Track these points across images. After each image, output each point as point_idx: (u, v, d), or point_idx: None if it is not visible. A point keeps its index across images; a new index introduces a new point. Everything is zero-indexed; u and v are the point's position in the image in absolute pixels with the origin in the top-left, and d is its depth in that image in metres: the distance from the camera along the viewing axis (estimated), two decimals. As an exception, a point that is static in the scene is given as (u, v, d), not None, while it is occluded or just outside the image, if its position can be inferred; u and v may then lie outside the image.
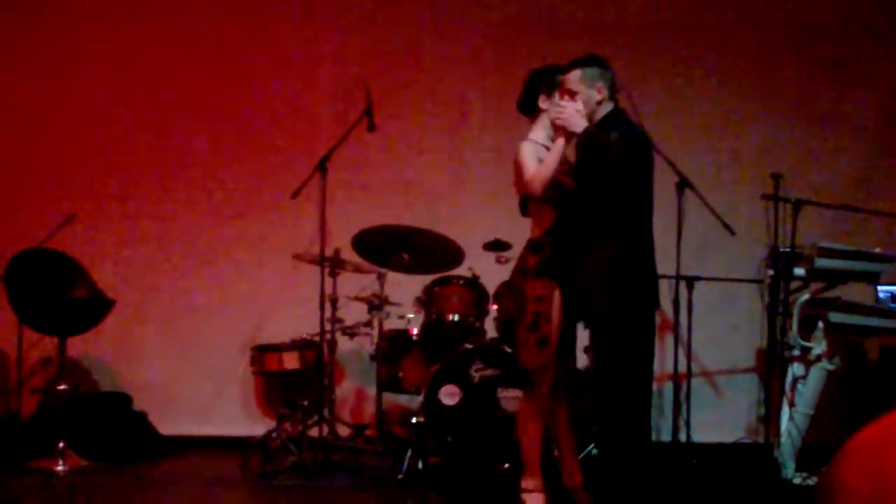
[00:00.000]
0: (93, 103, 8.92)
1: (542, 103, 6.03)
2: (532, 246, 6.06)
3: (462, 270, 7.64)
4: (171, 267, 8.89)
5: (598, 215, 5.62)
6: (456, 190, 8.71)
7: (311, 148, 8.08)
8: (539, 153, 5.90)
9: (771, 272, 7.13)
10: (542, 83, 6.10)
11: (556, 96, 5.89)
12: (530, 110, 6.19)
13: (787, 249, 6.96)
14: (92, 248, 8.66)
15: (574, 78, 5.71)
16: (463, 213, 8.50)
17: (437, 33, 8.87)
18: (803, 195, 7.18)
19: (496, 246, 7.54)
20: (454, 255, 7.57)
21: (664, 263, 7.11)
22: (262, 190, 8.75)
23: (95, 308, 8.01)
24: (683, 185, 7.04)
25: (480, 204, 8.46)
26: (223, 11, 8.96)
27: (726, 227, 7.12)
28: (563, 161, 5.79)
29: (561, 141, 5.73)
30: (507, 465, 6.92)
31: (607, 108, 5.68)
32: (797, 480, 7.00)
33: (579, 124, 5.56)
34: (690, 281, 7.48)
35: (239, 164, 8.86)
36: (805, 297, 7.14)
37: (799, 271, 7.07)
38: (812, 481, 6.93)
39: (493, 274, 7.57)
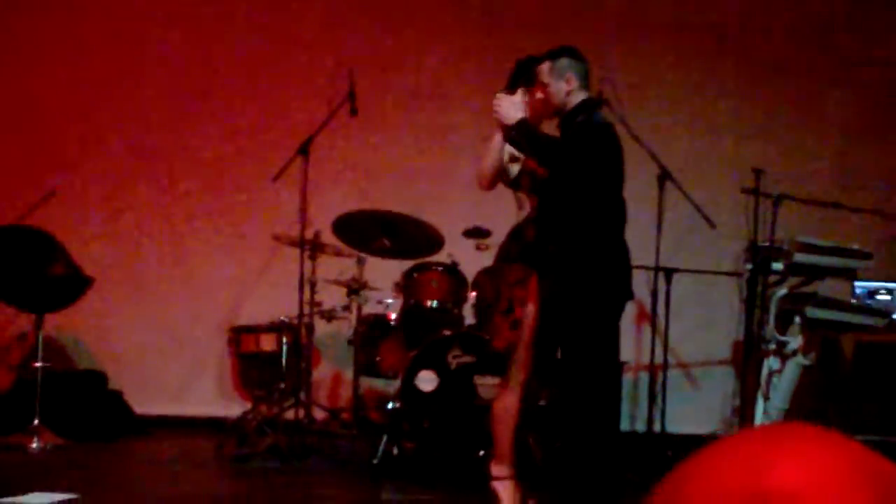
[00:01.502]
0: (74, 82, 8.92)
1: (521, 95, 5.98)
2: (514, 233, 6.06)
3: (442, 257, 7.65)
4: (151, 246, 8.89)
5: (563, 203, 5.59)
6: (437, 176, 8.72)
7: (293, 130, 8.06)
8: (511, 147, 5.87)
9: (749, 266, 7.14)
10: (522, 75, 6.08)
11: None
12: None
13: (766, 244, 6.97)
14: (71, 226, 8.64)
15: (545, 70, 5.67)
16: (444, 199, 8.50)
17: (422, 17, 8.87)
18: (783, 189, 7.20)
19: (476, 233, 7.53)
20: (434, 241, 7.57)
21: (643, 254, 7.14)
22: (244, 171, 8.75)
23: (73, 285, 7.99)
24: (664, 176, 7.06)
25: (461, 191, 8.45)
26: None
27: (706, 219, 7.15)
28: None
29: (498, 135, 5.73)
30: (482, 453, 6.93)
31: (579, 97, 5.60)
32: (770, 474, 7.03)
33: (512, 117, 5.53)
34: (669, 273, 7.51)
35: (221, 145, 8.87)
36: (783, 291, 7.16)
37: (777, 266, 7.08)
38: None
39: (472, 261, 7.58)
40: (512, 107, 5.56)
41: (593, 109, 5.66)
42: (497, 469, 6.06)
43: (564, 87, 5.57)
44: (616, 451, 5.96)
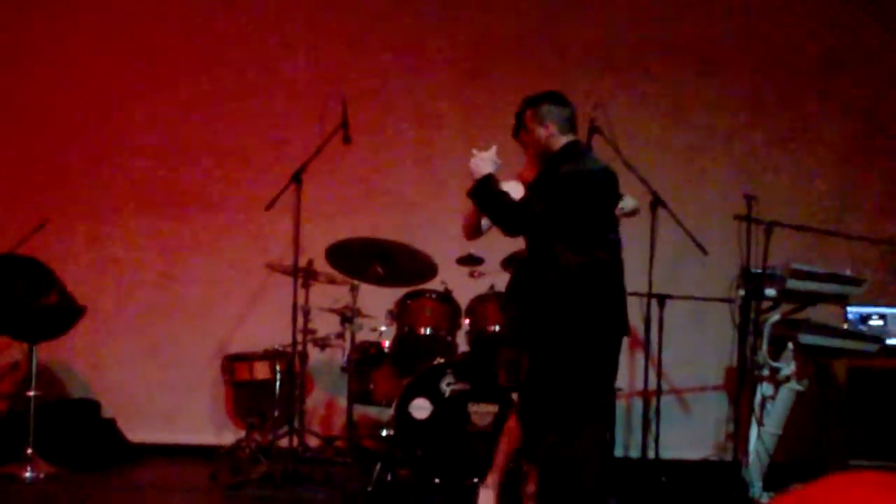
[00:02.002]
0: (64, 109, 8.93)
1: (523, 136, 5.95)
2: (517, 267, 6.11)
3: (435, 284, 7.66)
4: (143, 275, 8.88)
5: (541, 245, 5.59)
6: (430, 203, 8.72)
7: (286, 159, 8.07)
8: (517, 190, 5.88)
9: (742, 292, 7.16)
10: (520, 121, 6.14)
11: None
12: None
13: (759, 270, 6.99)
14: (64, 255, 8.65)
15: (528, 116, 5.74)
16: (437, 226, 8.50)
17: (414, 44, 8.89)
18: (775, 215, 7.23)
19: (469, 260, 7.55)
20: (427, 268, 7.57)
21: (636, 281, 7.16)
22: (237, 200, 8.75)
23: (66, 315, 7.98)
24: (656, 203, 7.08)
25: (455, 218, 8.41)
26: (197, 17, 8.97)
27: (698, 246, 7.17)
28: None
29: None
30: (476, 480, 6.92)
31: (561, 141, 5.64)
32: (764, 500, 7.04)
33: (479, 172, 5.58)
34: (662, 299, 7.52)
35: (213, 173, 8.87)
36: (775, 317, 7.18)
37: (770, 292, 7.11)
38: (779, 501, 6.98)
39: (465, 288, 7.60)
40: (481, 162, 5.61)
41: (580, 153, 5.68)
42: (488, 478, 6.14)
43: (544, 132, 5.64)
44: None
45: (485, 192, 5.58)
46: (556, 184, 5.46)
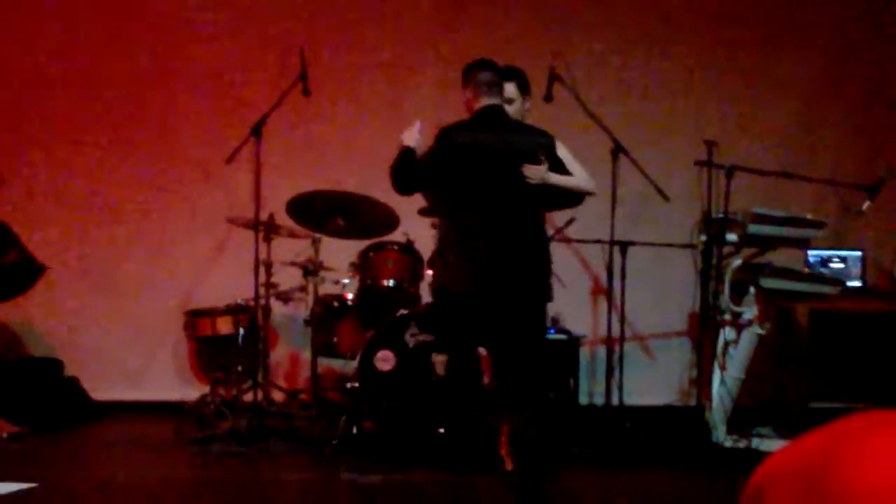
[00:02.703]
0: (24, 66, 8.80)
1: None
2: None
3: (397, 236, 7.64)
4: (104, 231, 8.81)
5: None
6: (392, 155, 8.67)
7: (247, 112, 8.01)
8: None
9: (704, 238, 7.19)
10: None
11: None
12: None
13: (720, 215, 7.02)
14: (23, 213, 8.56)
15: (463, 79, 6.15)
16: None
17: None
18: (736, 161, 7.25)
19: (430, 211, 7.54)
20: (389, 220, 7.55)
21: (599, 228, 7.18)
22: (197, 154, 8.68)
23: (27, 273, 7.93)
24: (618, 150, 7.07)
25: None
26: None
27: (660, 192, 7.17)
28: None
29: None
30: (441, 431, 6.94)
31: (476, 106, 5.98)
32: (728, 443, 7.10)
33: (399, 145, 6.09)
34: (624, 246, 7.52)
35: (174, 128, 8.79)
36: (737, 262, 7.22)
37: (731, 237, 7.14)
38: (742, 444, 7.03)
39: (427, 239, 7.58)
40: (402, 137, 6.12)
41: (484, 117, 6.00)
42: None
43: (467, 96, 6.08)
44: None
45: (397, 161, 6.03)
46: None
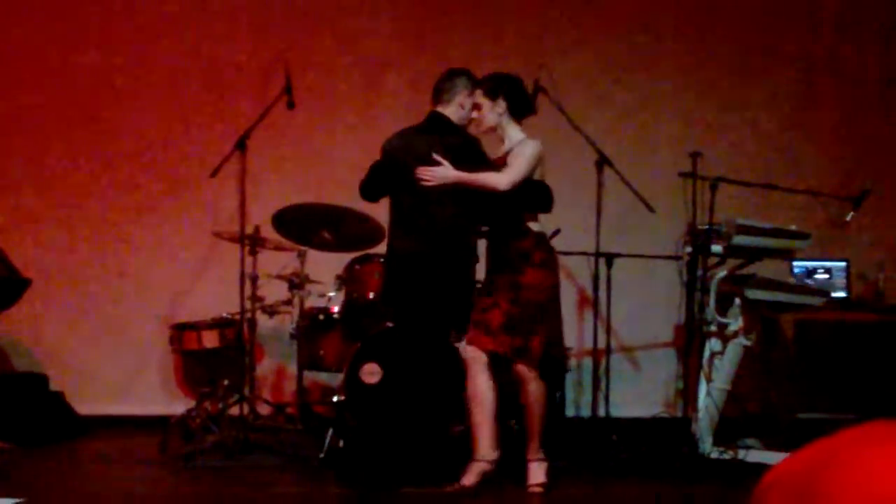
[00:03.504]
0: (3, 79, 8.80)
1: None
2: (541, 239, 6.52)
3: (383, 249, 7.62)
4: (89, 245, 8.79)
5: None
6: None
7: (231, 125, 8.02)
8: None
9: (689, 249, 7.20)
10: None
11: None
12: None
13: (705, 227, 7.03)
14: (6, 226, 8.55)
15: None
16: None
17: (356, 7, 8.84)
18: (721, 172, 7.27)
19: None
20: (375, 233, 7.55)
21: (584, 240, 7.19)
22: (182, 167, 8.68)
23: (11, 288, 7.91)
24: (602, 162, 7.08)
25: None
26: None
27: (645, 204, 7.17)
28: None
29: None
30: (425, 444, 6.95)
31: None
32: (714, 454, 7.09)
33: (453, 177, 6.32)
34: (609, 258, 7.53)
35: (158, 141, 8.79)
36: (722, 273, 7.23)
37: (716, 248, 7.15)
38: (728, 455, 7.03)
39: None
40: (447, 173, 6.25)
41: (428, 124, 6.54)
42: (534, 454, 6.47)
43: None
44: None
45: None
46: None
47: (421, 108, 6.73)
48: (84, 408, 8.41)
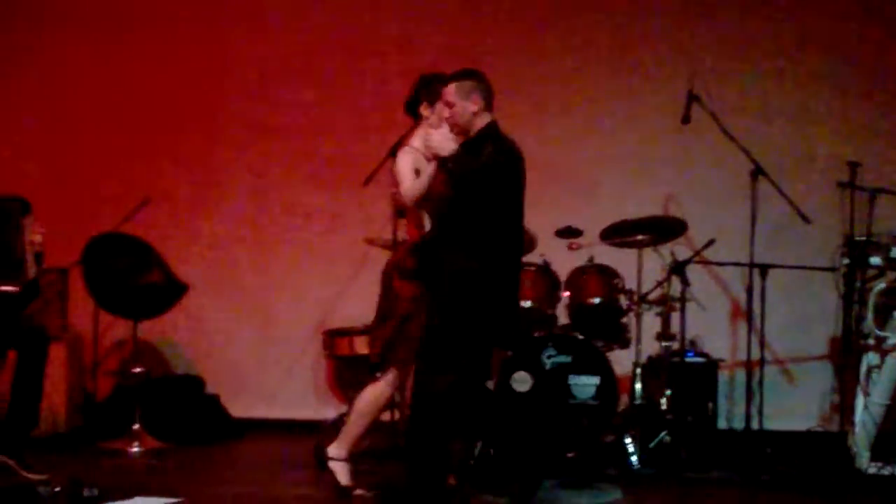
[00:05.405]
0: (167, 90, 9.02)
1: (424, 110, 6.24)
2: (413, 248, 6.21)
3: (534, 257, 7.62)
4: (245, 251, 8.98)
5: (459, 226, 5.77)
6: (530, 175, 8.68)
7: (386, 133, 8.07)
8: (418, 161, 6.08)
9: (846, 261, 7.07)
10: (426, 91, 6.24)
11: (437, 106, 6.06)
12: (414, 115, 6.36)
13: (863, 238, 6.89)
14: (166, 232, 8.76)
15: (451, 90, 5.82)
16: (534, 199, 8.46)
17: (504, 16, 8.85)
18: (881, 182, 7.12)
19: (568, 232, 7.54)
20: (527, 242, 7.54)
21: (738, 251, 7.08)
22: (336, 175, 8.77)
23: (170, 292, 8.09)
24: (758, 172, 6.99)
25: (555, 190, 8.39)
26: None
27: (801, 215, 7.06)
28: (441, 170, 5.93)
29: (433, 164, 5.87)
30: (574, 454, 6.94)
31: (484, 119, 5.79)
32: (872, 470, 6.94)
33: (447, 148, 5.73)
34: (764, 269, 7.40)
35: (313, 150, 8.92)
36: (881, 286, 7.07)
37: (875, 260, 7.00)
38: (887, 471, 6.87)
39: (564, 261, 7.57)
40: (445, 139, 5.79)
41: (500, 135, 5.82)
42: (336, 450, 6.34)
43: (471, 107, 5.77)
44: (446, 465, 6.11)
45: (464, 166, 5.69)
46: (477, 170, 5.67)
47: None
48: (238, 411, 8.57)
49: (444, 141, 5.77)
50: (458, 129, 5.80)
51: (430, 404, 5.78)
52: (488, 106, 5.81)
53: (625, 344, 7.52)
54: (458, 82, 5.80)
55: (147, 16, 9.14)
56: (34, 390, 6.56)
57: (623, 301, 7.52)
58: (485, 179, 5.64)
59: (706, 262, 7.80)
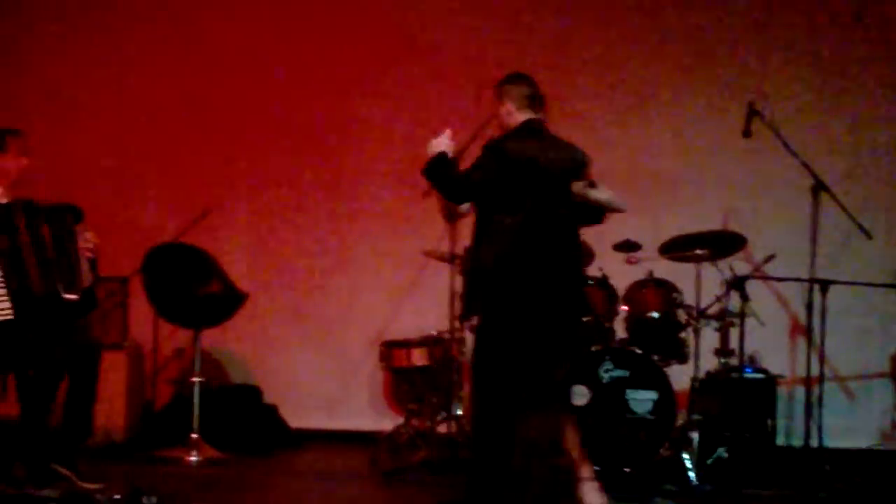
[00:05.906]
0: (226, 103, 9.09)
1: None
2: None
3: (592, 271, 7.60)
4: (303, 262, 9.04)
5: (478, 227, 5.88)
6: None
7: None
8: None
9: (908, 277, 7.01)
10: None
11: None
12: None
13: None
14: (226, 242, 8.83)
15: (492, 96, 6.03)
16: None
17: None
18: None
19: (626, 246, 7.52)
20: (585, 255, 7.53)
21: (798, 266, 7.02)
22: (393, 187, 8.80)
23: (229, 302, 8.13)
24: (819, 187, 6.94)
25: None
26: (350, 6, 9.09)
27: (862, 230, 7.00)
28: None
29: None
30: (631, 469, 6.91)
31: (517, 119, 5.88)
32: (933, 489, 6.88)
33: (430, 152, 5.85)
34: (824, 284, 7.34)
35: (369, 164, 8.96)
36: (944, 302, 7.01)
37: (939, 276, 6.95)
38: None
39: (622, 274, 7.55)
40: (433, 144, 5.89)
41: (531, 130, 5.86)
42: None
43: (503, 109, 5.94)
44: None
45: (434, 166, 5.82)
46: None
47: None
48: (296, 421, 8.61)
49: (432, 144, 5.88)
50: (501, 131, 5.96)
51: (485, 418, 5.77)
52: (524, 106, 5.90)
53: (683, 359, 7.48)
54: (495, 88, 6.00)
55: (219, 27, 9.24)
56: (86, 401, 6.57)
57: (681, 316, 7.48)
58: (478, 179, 5.74)
59: (766, 278, 7.75)
